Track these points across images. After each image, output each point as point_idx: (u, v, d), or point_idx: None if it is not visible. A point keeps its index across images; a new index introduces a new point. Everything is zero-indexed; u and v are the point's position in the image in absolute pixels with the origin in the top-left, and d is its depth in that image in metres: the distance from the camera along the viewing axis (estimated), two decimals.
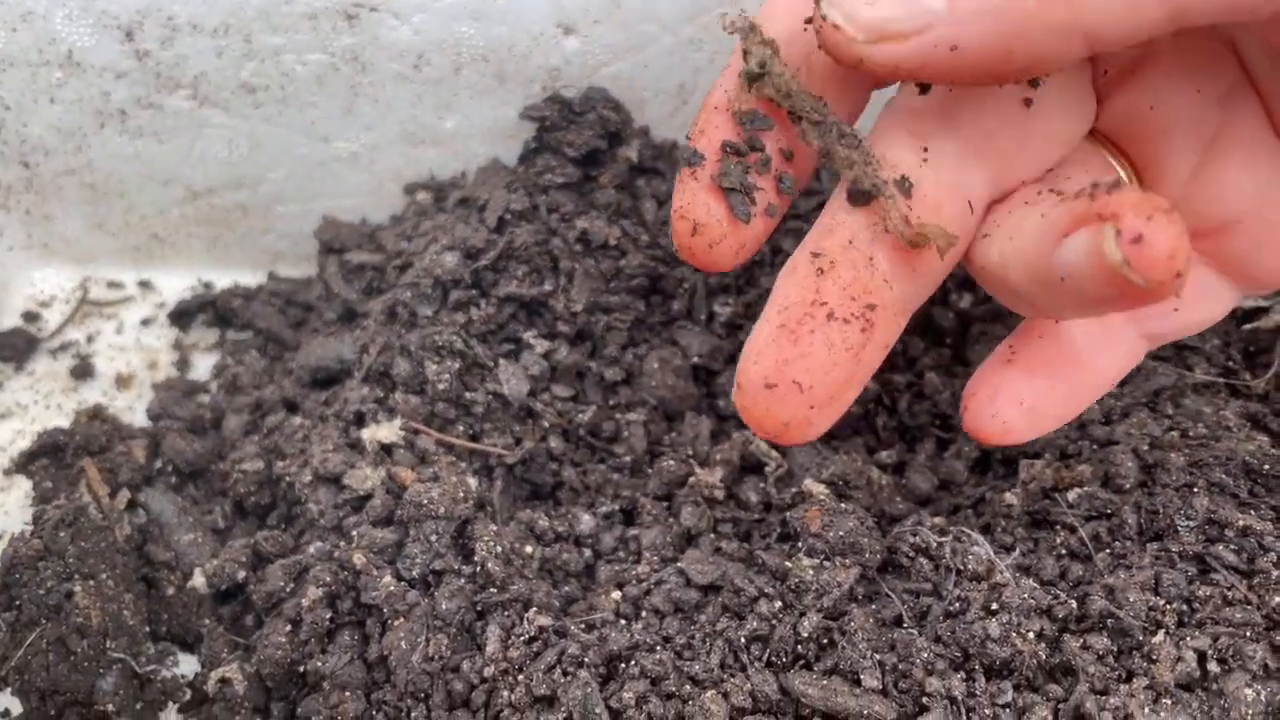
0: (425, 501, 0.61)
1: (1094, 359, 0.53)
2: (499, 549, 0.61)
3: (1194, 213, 0.47)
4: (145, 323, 0.91)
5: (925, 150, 0.45)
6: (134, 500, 0.71)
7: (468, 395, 0.69)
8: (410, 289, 0.71)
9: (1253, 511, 0.60)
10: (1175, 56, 0.46)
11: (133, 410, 0.84)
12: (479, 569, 0.60)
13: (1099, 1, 0.36)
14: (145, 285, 0.93)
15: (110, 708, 0.61)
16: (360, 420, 0.69)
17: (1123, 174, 0.49)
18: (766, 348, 0.44)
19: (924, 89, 0.45)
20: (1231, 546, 0.57)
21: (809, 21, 0.41)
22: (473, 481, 0.66)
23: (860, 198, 0.45)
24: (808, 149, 0.46)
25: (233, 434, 0.77)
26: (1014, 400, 0.53)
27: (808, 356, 0.43)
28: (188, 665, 0.67)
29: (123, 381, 0.86)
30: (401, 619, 0.58)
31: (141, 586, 0.68)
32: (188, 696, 0.66)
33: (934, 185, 0.45)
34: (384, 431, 0.67)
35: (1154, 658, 0.52)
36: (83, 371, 0.86)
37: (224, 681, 0.63)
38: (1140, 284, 0.36)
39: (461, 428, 0.69)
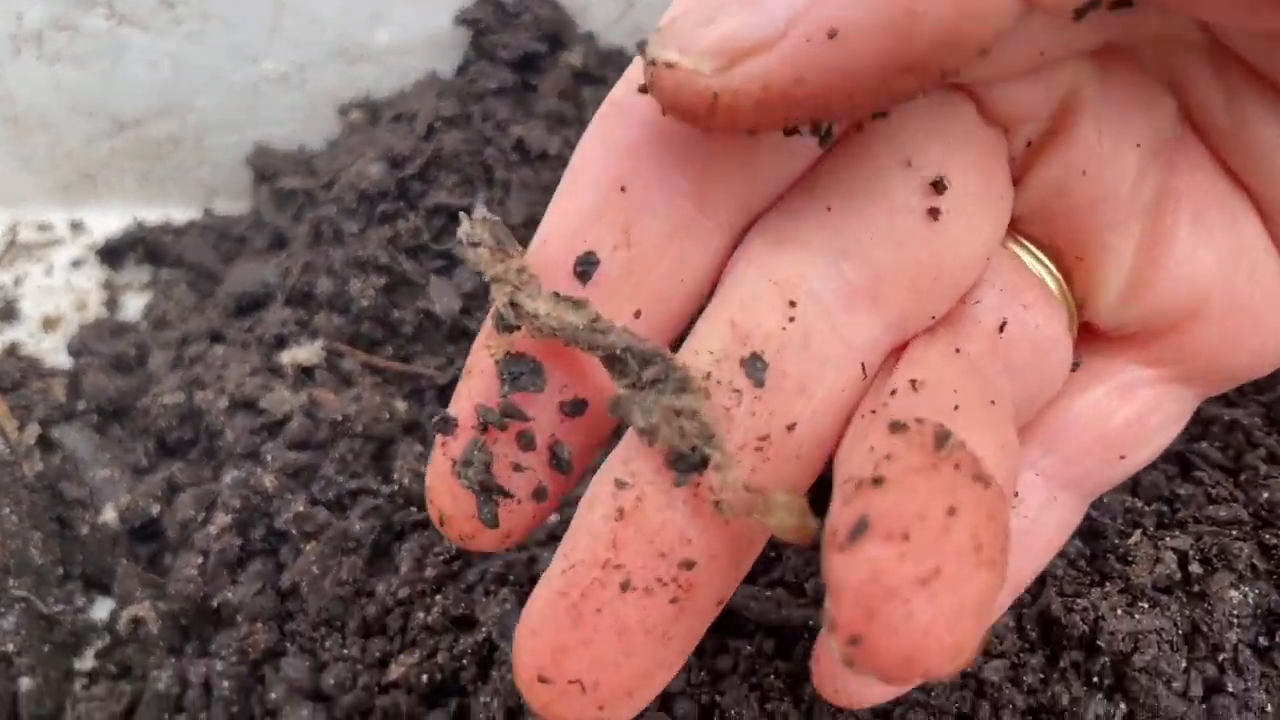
0: (341, 419, 0.57)
1: (1034, 533, 0.39)
2: (422, 469, 0.56)
3: (1151, 309, 0.37)
4: (76, 264, 0.86)
5: (793, 305, 0.33)
6: (47, 437, 0.67)
7: (395, 314, 0.64)
8: (335, 204, 0.67)
9: (1239, 408, 0.55)
10: (1106, 103, 0.34)
11: (58, 352, 0.79)
12: (397, 488, 0.55)
13: None
14: (77, 226, 0.88)
15: (11, 648, 0.57)
16: (281, 343, 0.65)
17: (1049, 281, 0.38)
18: (543, 624, 0.32)
19: (823, 137, 0.31)
20: (1217, 444, 0.53)
21: (644, 89, 0.31)
22: (402, 405, 0.61)
23: (682, 465, 0.31)
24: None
25: (158, 370, 0.72)
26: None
27: (591, 644, 0.32)
28: (106, 609, 0.63)
29: (50, 324, 0.82)
30: (312, 541, 0.53)
31: (54, 526, 0.63)
32: (106, 640, 0.62)
33: (801, 356, 0.32)
34: (304, 353, 0.63)
35: (1130, 559, 0.47)
36: (7, 314, 0.81)
37: (136, 621, 0.59)
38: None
39: (390, 349, 0.64)
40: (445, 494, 0.34)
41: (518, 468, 0.33)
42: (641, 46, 0.30)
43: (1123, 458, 0.39)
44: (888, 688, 0.38)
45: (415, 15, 0.76)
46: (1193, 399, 0.40)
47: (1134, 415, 0.39)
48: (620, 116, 0.34)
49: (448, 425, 0.34)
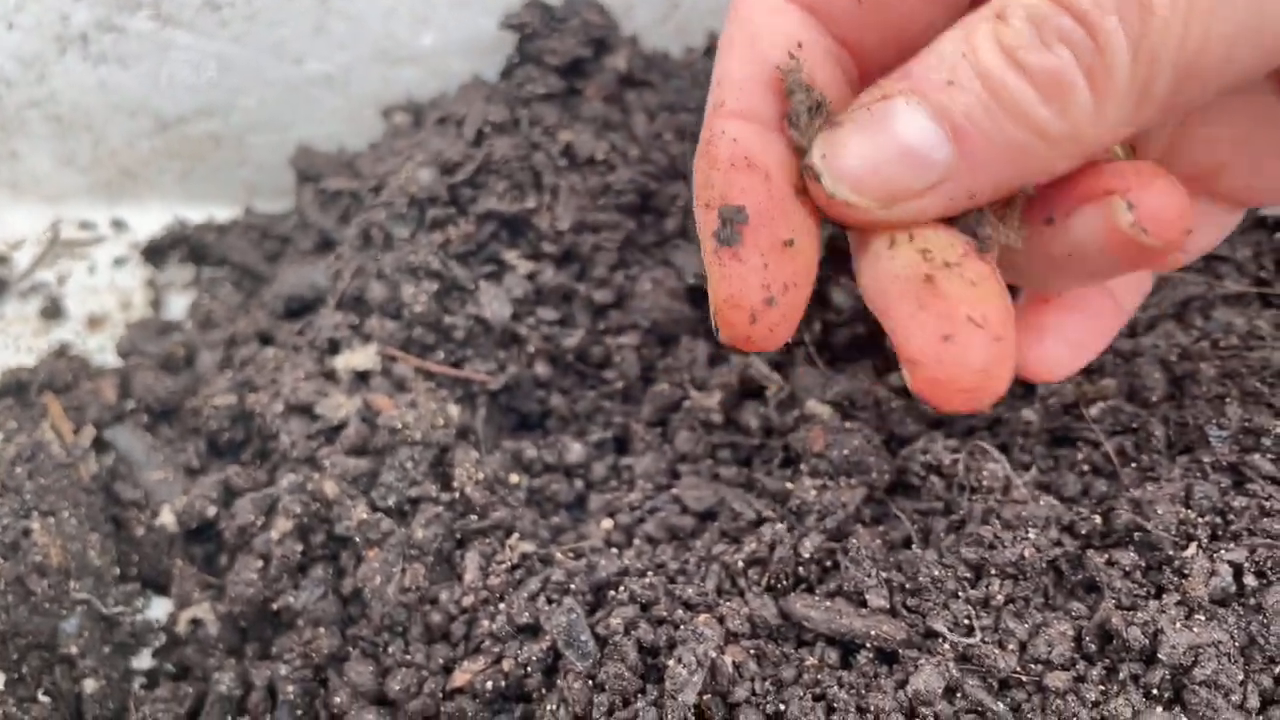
0: (400, 426, 0.57)
1: (1117, 292, 0.52)
2: (480, 476, 0.57)
3: (1180, 167, 0.42)
4: (118, 262, 0.87)
5: None
6: (101, 438, 0.67)
7: (447, 319, 0.65)
8: (384, 209, 0.67)
9: None
10: None
11: (104, 351, 0.80)
12: (458, 496, 0.56)
13: (1105, 133, 0.35)
14: (119, 224, 0.89)
15: (74, 650, 0.58)
16: (334, 348, 0.65)
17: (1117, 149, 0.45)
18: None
19: None
20: (1269, 455, 0.53)
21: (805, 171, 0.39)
22: (454, 410, 0.62)
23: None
24: None
25: (206, 370, 0.73)
26: (1060, 338, 0.50)
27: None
28: (162, 609, 0.64)
29: (95, 323, 0.82)
30: (375, 549, 0.54)
31: (110, 527, 0.64)
32: (162, 640, 0.63)
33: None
34: (359, 358, 0.63)
35: (1185, 572, 0.48)
36: (53, 313, 0.82)
37: (195, 622, 0.60)
38: (1155, 246, 0.37)
39: (441, 354, 0.65)
40: (755, 289, 0.39)
41: None
42: (807, 166, 0.39)
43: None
44: (1076, 358, 0.51)
45: (458, 18, 0.76)
46: (1234, 212, 0.49)
47: None
48: None
49: (731, 234, 0.38)
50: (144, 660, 0.62)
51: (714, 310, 0.40)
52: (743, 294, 0.39)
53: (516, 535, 0.54)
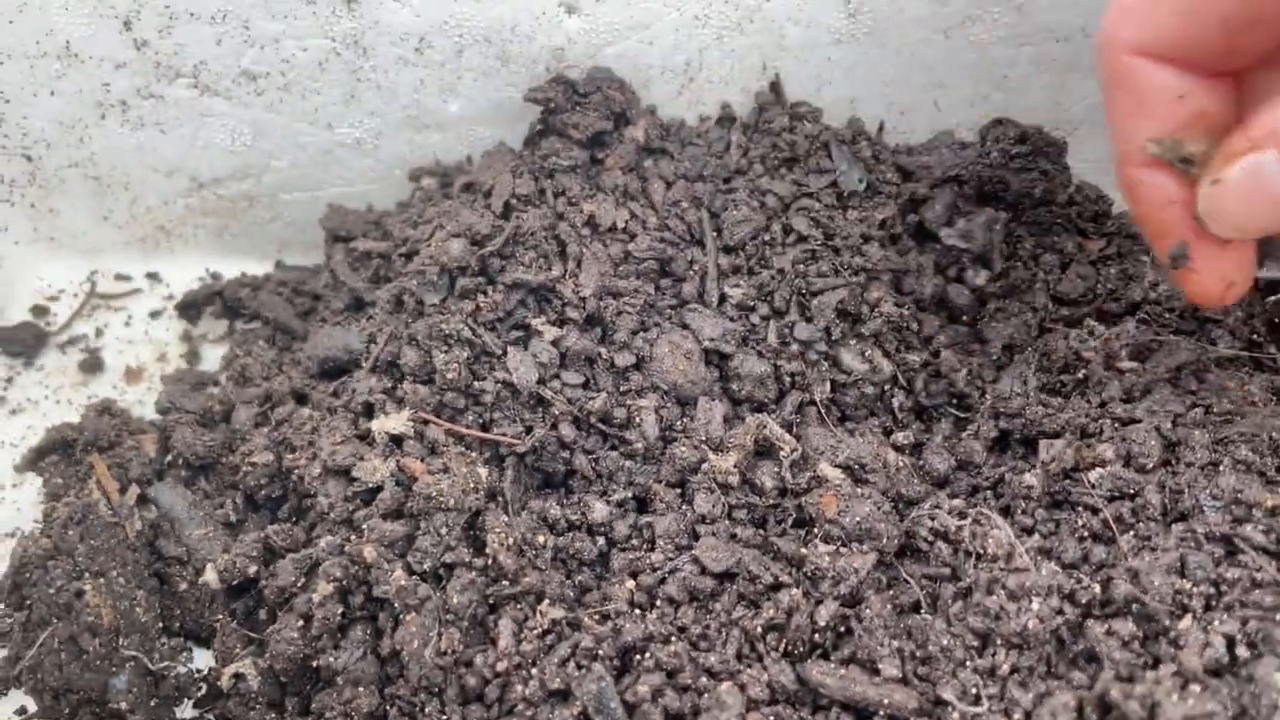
0: (435, 494, 0.60)
1: None
2: (510, 540, 0.60)
3: None
4: (154, 315, 0.90)
5: None
6: (144, 495, 0.71)
7: (476, 384, 0.68)
8: (417, 277, 0.70)
9: None
10: None
11: (143, 404, 0.83)
12: (491, 561, 0.59)
13: None
14: (153, 277, 0.92)
15: (124, 705, 0.61)
16: (369, 411, 0.68)
17: None
18: None
19: None
20: (1260, 526, 0.56)
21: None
22: (483, 471, 0.65)
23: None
24: None
25: (243, 426, 0.76)
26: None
27: None
28: (202, 660, 0.67)
29: (132, 375, 0.86)
30: (413, 613, 0.57)
31: (154, 582, 0.67)
32: (203, 691, 0.66)
33: None
34: (393, 422, 0.66)
35: (1181, 643, 0.51)
36: (92, 365, 0.86)
37: (238, 677, 0.63)
38: None
39: (471, 417, 0.68)
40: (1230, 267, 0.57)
41: None
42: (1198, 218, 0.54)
43: None
44: None
45: (484, 89, 0.79)
46: None
47: None
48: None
49: (1182, 257, 0.57)
50: (187, 710, 0.66)
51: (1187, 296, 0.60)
52: (1203, 291, 0.57)
53: (547, 601, 0.57)
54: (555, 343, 0.69)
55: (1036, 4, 0.75)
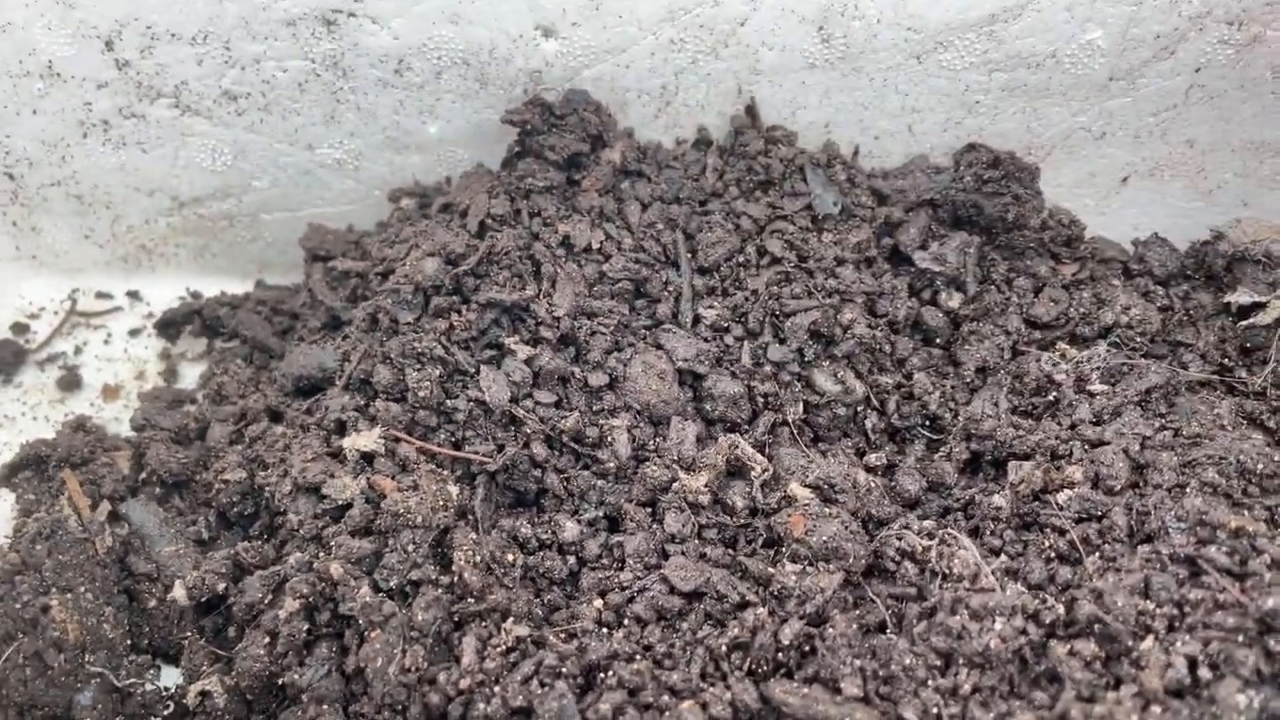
0: (403, 511, 0.60)
1: None
2: (478, 558, 0.60)
3: None
4: (133, 333, 0.90)
5: None
6: (115, 512, 0.70)
7: (449, 403, 0.68)
8: (391, 296, 0.71)
9: (1246, 512, 0.59)
10: None
11: (119, 421, 0.83)
12: (457, 579, 0.59)
13: None
14: (133, 295, 0.93)
15: None
16: (341, 429, 0.68)
17: None
18: None
19: None
20: (1224, 549, 0.56)
21: None
22: (454, 489, 0.65)
23: None
24: None
25: (217, 444, 0.76)
26: None
27: None
28: (170, 678, 0.67)
29: (110, 392, 0.86)
30: (378, 630, 0.57)
31: (123, 599, 0.67)
32: (169, 709, 0.66)
33: None
34: (364, 440, 0.66)
35: (1143, 664, 0.51)
36: (70, 383, 0.86)
37: (204, 694, 0.62)
38: None
39: (443, 435, 0.68)
40: None
41: None
42: None
43: None
44: None
45: (463, 111, 0.80)
46: None
47: None
48: None
49: None
50: None
51: None
52: None
53: (512, 619, 0.57)
54: (528, 361, 0.70)
55: (1008, 31, 0.75)
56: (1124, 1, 0.73)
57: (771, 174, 0.79)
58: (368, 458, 0.67)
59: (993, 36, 0.76)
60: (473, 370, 0.69)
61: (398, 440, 0.67)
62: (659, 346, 0.73)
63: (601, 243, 0.74)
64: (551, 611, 0.62)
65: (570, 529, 0.66)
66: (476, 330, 0.70)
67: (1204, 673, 0.50)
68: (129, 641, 0.66)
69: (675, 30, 0.76)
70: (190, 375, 0.87)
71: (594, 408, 0.71)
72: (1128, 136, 0.82)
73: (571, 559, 0.65)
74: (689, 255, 0.77)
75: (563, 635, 0.57)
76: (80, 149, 0.84)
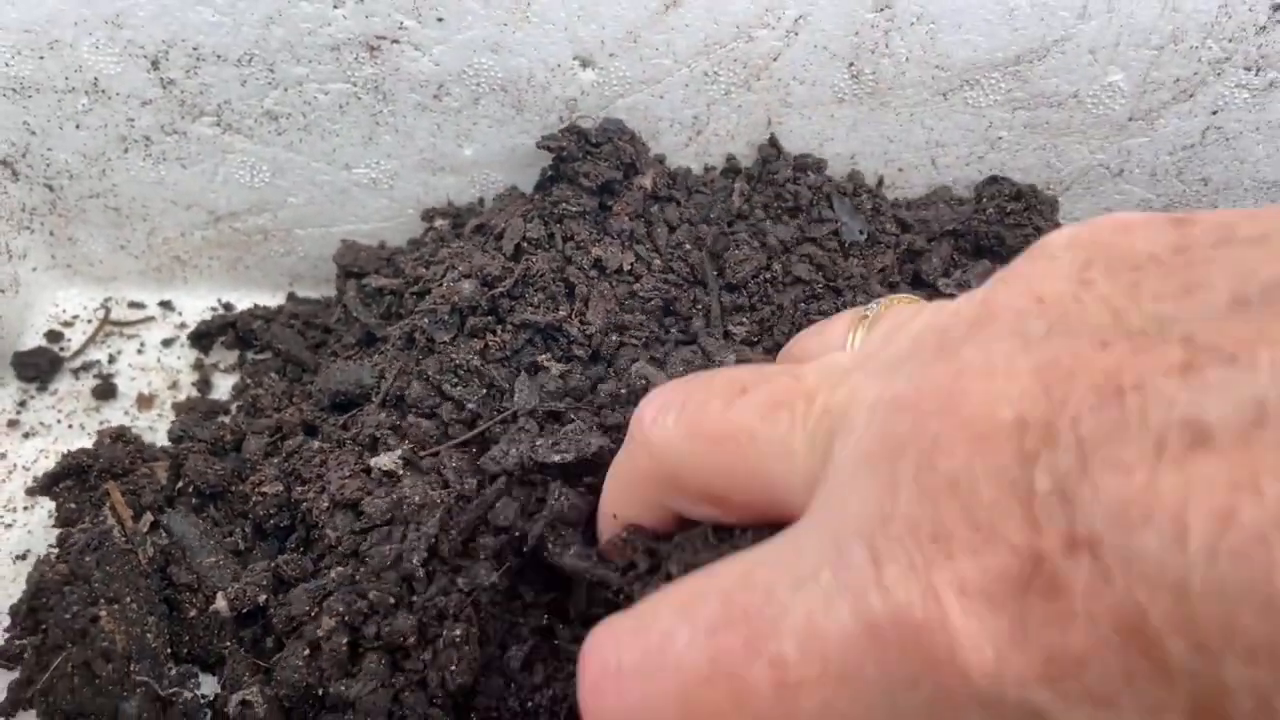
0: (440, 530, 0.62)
1: None
2: None
3: None
4: (166, 343, 0.92)
5: None
6: (156, 523, 0.72)
7: (481, 422, 0.70)
8: (428, 316, 0.73)
9: None
10: None
11: (154, 430, 0.85)
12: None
13: None
14: (166, 306, 0.94)
15: None
16: (374, 445, 0.70)
17: None
18: None
19: None
20: None
21: None
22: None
23: None
24: None
25: (253, 456, 0.78)
26: None
27: None
28: (209, 686, 0.69)
29: (144, 402, 0.88)
30: (422, 648, 0.59)
31: (164, 609, 0.69)
32: (209, 718, 0.67)
33: None
34: (386, 460, 0.68)
35: None
36: (105, 392, 0.87)
37: (244, 704, 0.64)
38: None
39: (475, 449, 0.70)
40: None
41: None
42: None
43: None
44: None
45: (498, 135, 0.82)
46: None
47: None
48: None
49: None
50: None
51: None
52: None
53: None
54: (562, 377, 0.72)
55: (1032, 71, 0.78)
56: (1146, 46, 0.76)
57: (800, 200, 0.82)
58: (400, 474, 0.68)
59: (1018, 76, 0.78)
60: (507, 387, 0.71)
61: (427, 456, 0.69)
62: (688, 361, 0.75)
63: (632, 264, 0.75)
64: None
65: None
66: (511, 350, 0.72)
67: None
68: (170, 651, 0.68)
69: (710, 63, 0.78)
70: (223, 386, 0.89)
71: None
72: (1144, 174, 0.84)
73: None
74: (715, 273, 0.79)
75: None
76: (121, 163, 0.86)
